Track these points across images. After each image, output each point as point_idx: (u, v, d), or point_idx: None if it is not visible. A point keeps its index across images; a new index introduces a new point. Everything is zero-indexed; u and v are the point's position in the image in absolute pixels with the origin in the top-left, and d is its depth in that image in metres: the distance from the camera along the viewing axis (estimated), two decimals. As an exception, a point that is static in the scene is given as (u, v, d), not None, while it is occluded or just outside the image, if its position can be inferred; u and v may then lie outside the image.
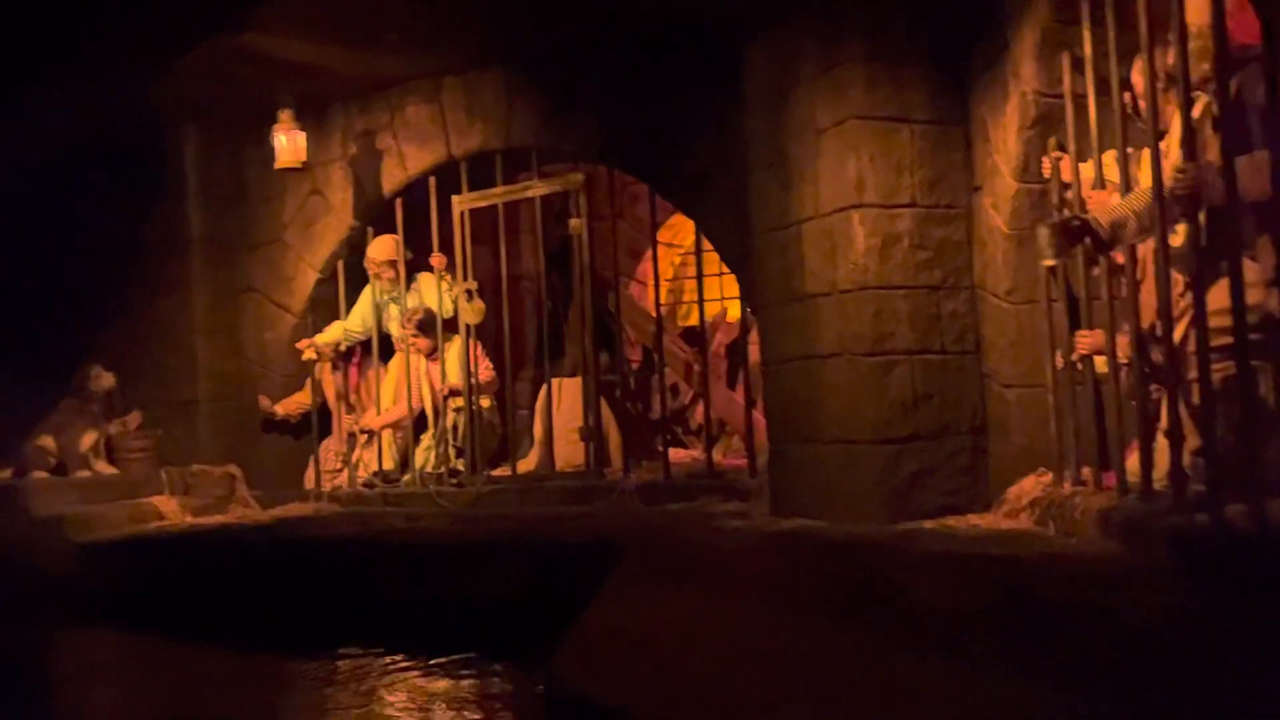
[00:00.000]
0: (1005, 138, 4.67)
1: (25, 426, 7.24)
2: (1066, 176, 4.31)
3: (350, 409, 7.43)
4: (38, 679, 5.06)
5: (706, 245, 6.56)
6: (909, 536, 4.47)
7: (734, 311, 8.04)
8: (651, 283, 8.10)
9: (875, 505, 4.88)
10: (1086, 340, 4.28)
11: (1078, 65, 4.20)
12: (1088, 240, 3.87)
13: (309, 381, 7.38)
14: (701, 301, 6.64)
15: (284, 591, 5.70)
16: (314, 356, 7.23)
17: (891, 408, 4.90)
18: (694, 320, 8.65)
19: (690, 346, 7.76)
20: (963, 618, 3.29)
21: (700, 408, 7.86)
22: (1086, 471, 4.36)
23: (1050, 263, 4.22)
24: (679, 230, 8.67)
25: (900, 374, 4.92)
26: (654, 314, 6.82)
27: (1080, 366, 4.37)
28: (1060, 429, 4.48)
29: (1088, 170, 4.23)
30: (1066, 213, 4.15)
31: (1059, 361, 4.45)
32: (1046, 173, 4.46)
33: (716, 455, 6.61)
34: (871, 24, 4.97)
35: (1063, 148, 4.35)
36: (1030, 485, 4.59)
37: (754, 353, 6.55)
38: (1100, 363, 4.25)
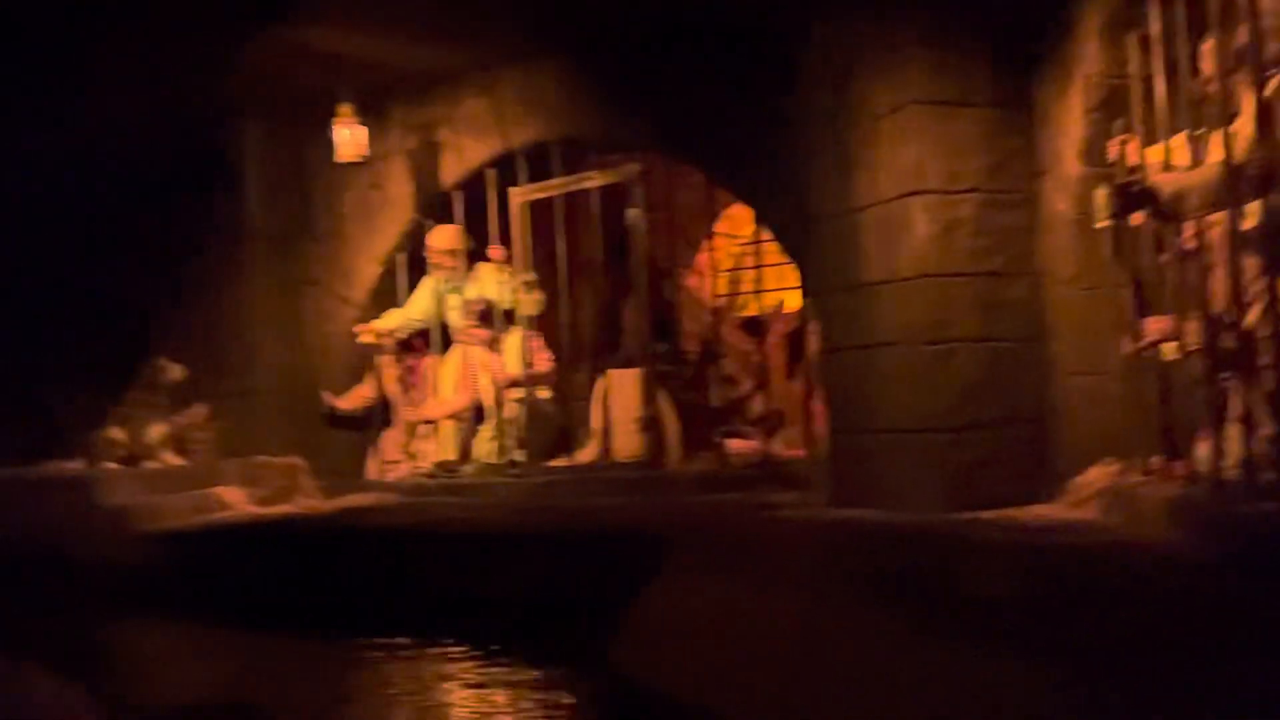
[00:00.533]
0: (1069, 121, 4.58)
1: (95, 418, 7.39)
2: (1133, 160, 4.20)
3: (410, 400, 7.48)
4: (103, 666, 5.16)
5: (766, 234, 6.51)
6: (969, 526, 4.41)
7: (793, 301, 7.97)
8: (709, 272, 8.06)
9: (934, 495, 4.81)
10: (1155, 326, 4.18)
11: (1145, 46, 4.11)
12: (1147, 208, 3.77)
13: (370, 374, 7.44)
14: (761, 291, 6.59)
15: (345, 580, 5.76)
16: (371, 340, 7.29)
17: (951, 396, 4.83)
18: (752, 310, 8.60)
19: (749, 336, 7.71)
20: (1016, 607, 3.24)
21: (758, 398, 7.81)
22: (1155, 460, 4.26)
23: (1104, 224, 4.11)
24: (737, 220, 8.62)
25: (961, 362, 4.85)
26: (711, 304, 6.79)
27: (1149, 353, 4.27)
28: (1128, 417, 4.38)
29: (1155, 154, 4.13)
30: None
31: (1126, 348, 4.35)
32: (1112, 157, 4.36)
33: (775, 446, 6.57)
34: (931, 6, 4.90)
35: (1129, 131, 4.26)
36: (1096, 475, 4.49)
37: (813, 342, 6.50)
38: (1169, 349, 4.15)
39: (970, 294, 4.86)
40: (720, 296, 6.94)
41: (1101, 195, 3.77)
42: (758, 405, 7.79)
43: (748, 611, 3.51)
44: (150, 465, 7.19)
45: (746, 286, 9.08)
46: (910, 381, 4.91)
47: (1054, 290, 4.87)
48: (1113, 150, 4.34)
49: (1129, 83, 4.20)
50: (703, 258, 8.63)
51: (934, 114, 4.88)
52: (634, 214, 6.61)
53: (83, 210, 7.66)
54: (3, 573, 5.78)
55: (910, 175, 4.89)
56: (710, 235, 6.84)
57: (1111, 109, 4.37)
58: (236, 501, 6.96)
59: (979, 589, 3.34)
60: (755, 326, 7.81)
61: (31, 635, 4.53)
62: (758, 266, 6.49)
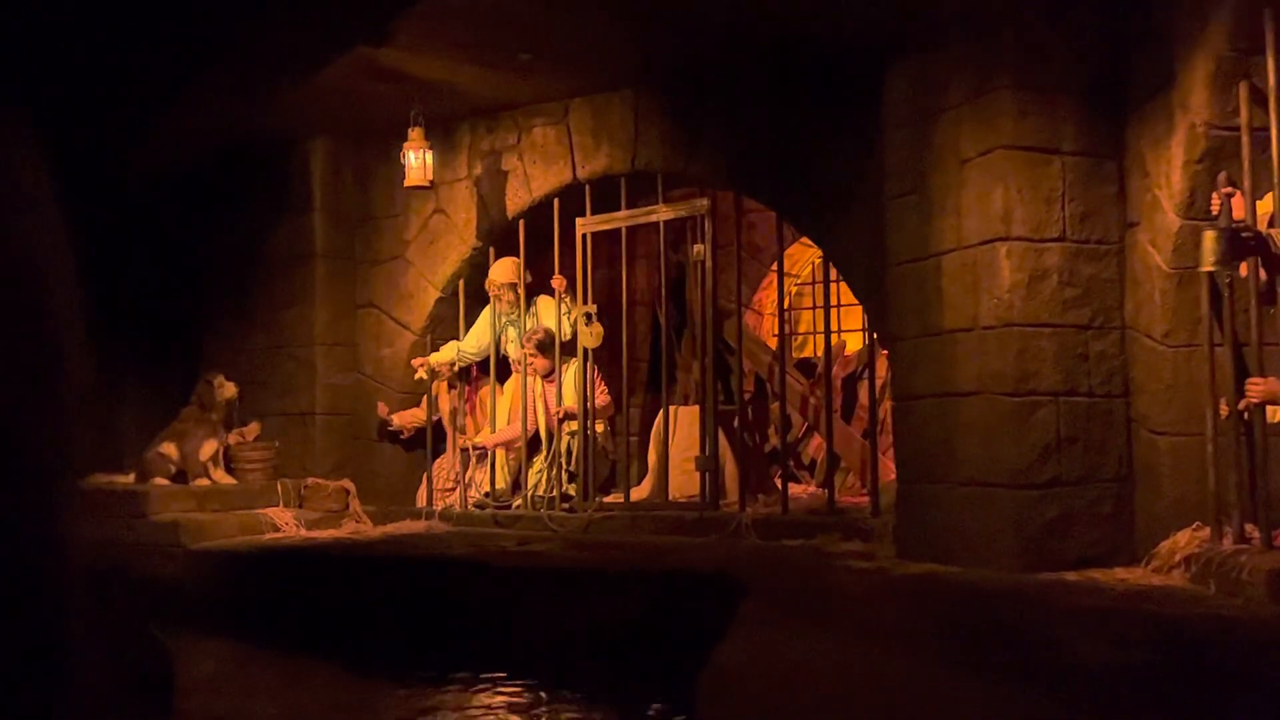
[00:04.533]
0: (1168, 171, 4.43)
1: (149, 433, 7.34)
2: (1238, 213, 4.05)
3: (464, 427, 7.39)
4: (144, 682, 5.05)
5: (827, 275, 6.39)
6: (1051, 587, 4.24)
7: (852, 344, 7.83)
8: (770, 311, 7.94)
9: (1012, 552, 4.65)
10: (1259, 388, 4.01)
11: (1256, 96, 3.96)
12: (1257, 257, 3.62)
13: (425, 398, 7.36)
14: (827, 332, 6.45)
15: (391, 609, 5.64)
16: (425, 376, 7.20)
17: (1033, 450, 4.68)
18: (809, 351, 8.45)
19: (805, 378, 7.57)
20: (1118, 678, 3.07)
21: (812, 441, 7.65)
22: (1251, 528, 4.08)
23: (1210, 268, 3.95)
24: (796, 259, 8.51)
25: (1043, 416, 4.69)
26: (770, 343, 6.66)
27: (1248, 416, 4.10)
28: (1221, 481, 4.21)
29: (1264, 206, 3.98)
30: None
31: (1224, 410, 4.18)
32: (1215, 209, 4.21)
33: (833, 491, 6.41)
34: (1024, 50, 4.78)
35: (1234, 182, 4.11)
36: (1184, 540, 4.32)
37: (879, 386, 6.35)
38: (1272, 412, 3.98)
39: (1055, 345, 4.71)
40: (778, 336, 6.81)
41: (1210, 239, 3.62)
42: (812, 448, 7.64)
43: (826, 669, 3.35)
44: (201, 483, 7.13)
45: (803, 327, 8.97)
46: (989, 434, 4.75)
47: (1142, 345, 4.70)
48: (1216, 202, 4.20)
49: (1237, 134, 4.05)
50: (761, 296, 8.52)
51: (1023, 160, 4.75)
52: (699, 250, 6.50)
53: (150, 224, 7.66)
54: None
55: (997, 221, 4.75)
56: (778, 273, 6.71)
57: (1216, 160, 4.22)
58: (286, 523, 6.89)
59: (1075, 657, 3.17)
60: (810, 368, 7.67)
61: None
62: (817, 307, 6.34)
